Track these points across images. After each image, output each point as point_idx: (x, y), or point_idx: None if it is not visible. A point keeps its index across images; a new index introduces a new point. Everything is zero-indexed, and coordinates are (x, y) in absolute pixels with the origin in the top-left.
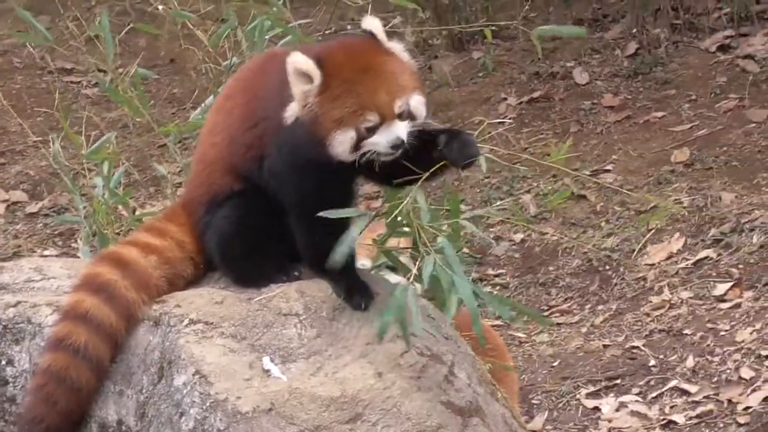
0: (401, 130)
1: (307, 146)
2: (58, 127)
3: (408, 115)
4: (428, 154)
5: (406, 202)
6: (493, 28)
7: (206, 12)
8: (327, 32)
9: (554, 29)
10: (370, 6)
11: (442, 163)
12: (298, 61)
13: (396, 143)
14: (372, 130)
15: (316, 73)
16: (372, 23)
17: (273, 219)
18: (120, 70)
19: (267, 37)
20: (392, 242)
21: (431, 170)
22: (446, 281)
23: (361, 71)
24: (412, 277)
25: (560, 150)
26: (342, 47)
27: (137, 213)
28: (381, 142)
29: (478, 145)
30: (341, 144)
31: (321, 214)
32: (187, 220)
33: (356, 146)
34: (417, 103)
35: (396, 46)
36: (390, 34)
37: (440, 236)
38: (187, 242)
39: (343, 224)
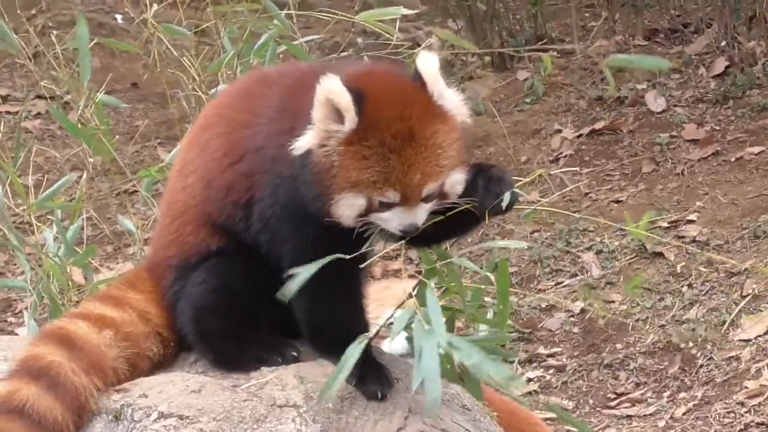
0: (419, 216)
1: (306, 191)
2: None
3: (438, 196)
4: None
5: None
6: (551, 51)
7: (189, 23)
8: (337, 54)
9: (630, 60)
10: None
11: (463, 207)
12: (335, 91)
13: (407, 229)
14: (386, 207)
15: (351, 117)
16: (427, 64)
17: (262, 284)
18: (70, 96)
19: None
20: None
21: (450, 214)
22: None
23: (404, 138)
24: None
25: (638, 219)
26: (390, 91)
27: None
28: (391, 221)
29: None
30: (347, 208)
31: (291, 271)
32: (154, 287)
33: (362, 215)
34: (454, 182)
35: (451, 99)
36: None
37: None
38: (153, 314)
39: (355, 290)
